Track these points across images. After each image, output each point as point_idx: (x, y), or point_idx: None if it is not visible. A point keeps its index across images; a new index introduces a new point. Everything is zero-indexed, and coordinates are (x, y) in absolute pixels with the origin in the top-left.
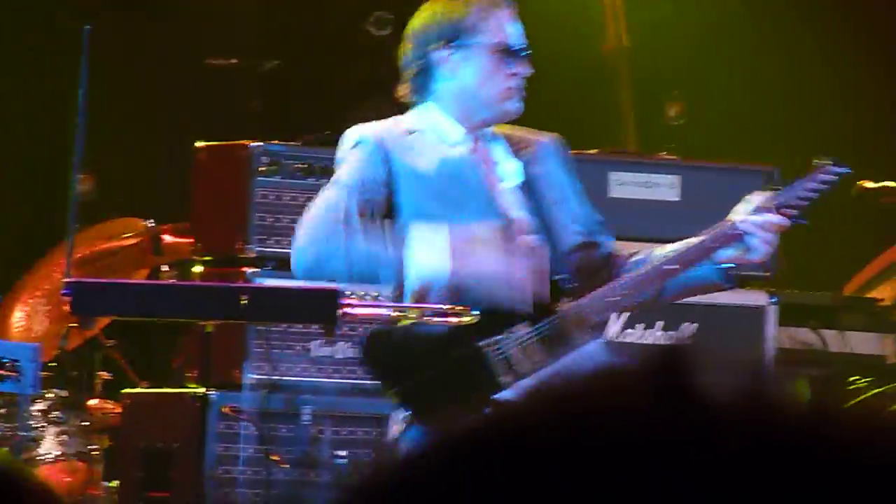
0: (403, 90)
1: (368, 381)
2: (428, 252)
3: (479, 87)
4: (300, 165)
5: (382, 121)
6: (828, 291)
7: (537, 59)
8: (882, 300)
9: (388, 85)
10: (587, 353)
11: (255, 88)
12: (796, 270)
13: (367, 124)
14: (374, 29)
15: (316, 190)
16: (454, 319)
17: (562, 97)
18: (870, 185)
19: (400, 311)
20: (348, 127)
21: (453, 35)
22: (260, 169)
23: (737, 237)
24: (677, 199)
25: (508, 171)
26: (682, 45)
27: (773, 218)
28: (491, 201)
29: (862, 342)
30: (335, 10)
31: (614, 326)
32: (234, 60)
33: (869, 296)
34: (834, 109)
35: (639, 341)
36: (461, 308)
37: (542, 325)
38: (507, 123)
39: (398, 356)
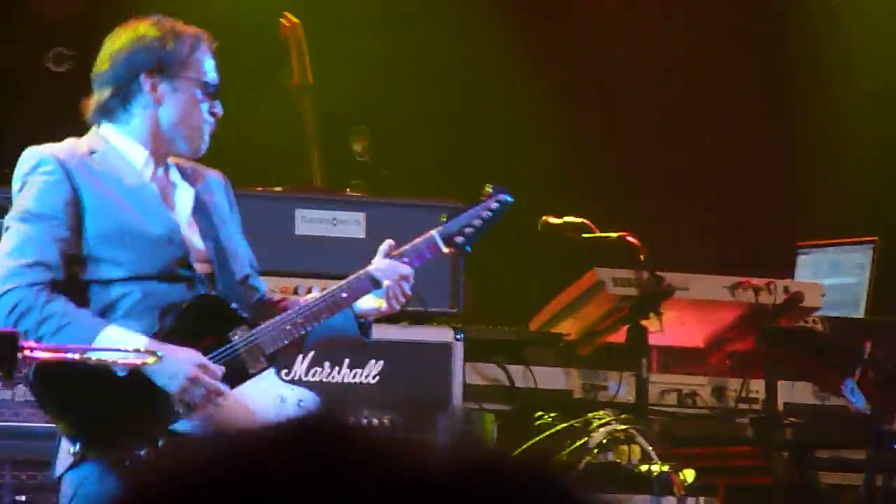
0: (89, 108)
1: (50, 425)
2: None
3: (179, 121)
4: None
5: (59, 144)
6: (514, 327)
7: (223, 94)
8: (568, 335)
9: (69, 122)
10: (263, 385)
11: None
12: (483, 305)
13: (45, 145)
14: (53, 65)
15: None
16: (139, 361)
17: (248, 134)
18: (554, 220)
19: (84, 355)
20: None
21: (162, 65)
22: None
23: (372, 286)
24: (363, 235)
25: (184, 197)
26: (368, 81)
27: (400, 266)
28: (174, 233)
29: (548, 377)
30: (12, 46)
31: (300, 365)
32: None
33: (555, 331)
34: (517, 144)
35: (327, 379)
36: (147, 350)
37: (217, 353)
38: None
39: (70, 386)
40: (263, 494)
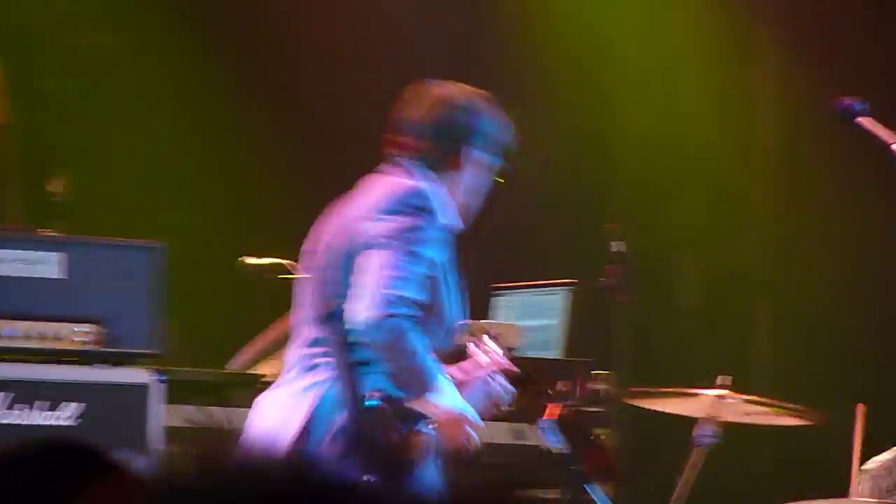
0: (421, 145)
1: None
2: None
3: (481, 189)
4: None
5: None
6: (213, 368)
7: None
8: (265, 376)
9: None
10: None
11: None
12: (183, 347)
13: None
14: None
15: None
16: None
17: None
18: (252, 260)
19: None
20: None
21: (489, 143)
22: None
23: None
24: (63, 276)
25: None
26: (70, 119)
27: None
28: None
29: (245, 418)
30: None
31: None
32: None
33: (253, 372)
34: (220, 186)
35: (18, 422)
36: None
37: None
38: None
39: None
40: None
